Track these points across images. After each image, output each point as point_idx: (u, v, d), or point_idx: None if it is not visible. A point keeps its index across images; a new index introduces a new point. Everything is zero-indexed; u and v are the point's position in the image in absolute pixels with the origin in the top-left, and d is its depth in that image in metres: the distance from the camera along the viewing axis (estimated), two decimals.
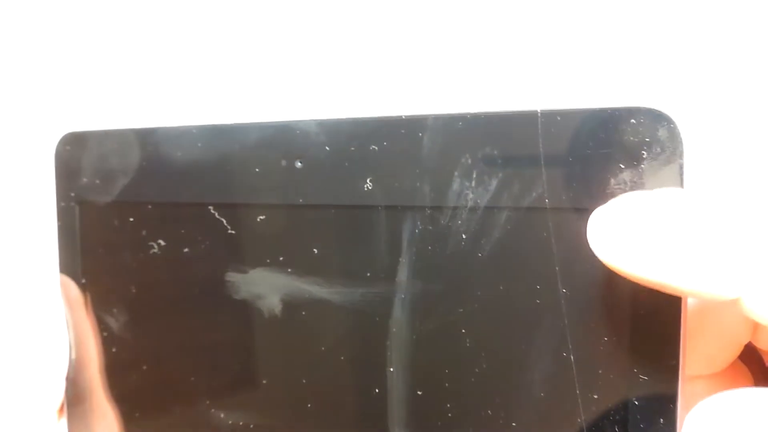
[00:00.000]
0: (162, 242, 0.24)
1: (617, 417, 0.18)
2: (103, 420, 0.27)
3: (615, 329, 0.18)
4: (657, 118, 0.17)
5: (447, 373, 0.20)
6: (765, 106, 0.18)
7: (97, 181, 0.25)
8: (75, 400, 0.26)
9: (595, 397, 0.18)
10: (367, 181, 0.21)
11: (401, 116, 0.20)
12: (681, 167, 0.17)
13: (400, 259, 0.20)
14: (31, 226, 0.27)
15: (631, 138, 0.18)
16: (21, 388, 0.26)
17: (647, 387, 0.18)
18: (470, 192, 0.19)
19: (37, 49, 0.29)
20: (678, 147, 0.17)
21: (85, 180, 0.25)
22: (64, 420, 0.27)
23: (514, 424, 0.20)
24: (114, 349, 0.25)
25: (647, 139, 0.17)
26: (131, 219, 0.24)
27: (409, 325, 0.20)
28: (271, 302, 0.22)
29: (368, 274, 0.21)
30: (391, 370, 0.21)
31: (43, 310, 0.26)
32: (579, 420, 0.19)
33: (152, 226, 0.24)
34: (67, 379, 0.26)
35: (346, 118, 0.21)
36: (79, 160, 0.25)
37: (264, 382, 0.23)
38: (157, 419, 0.25)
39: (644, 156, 0.17)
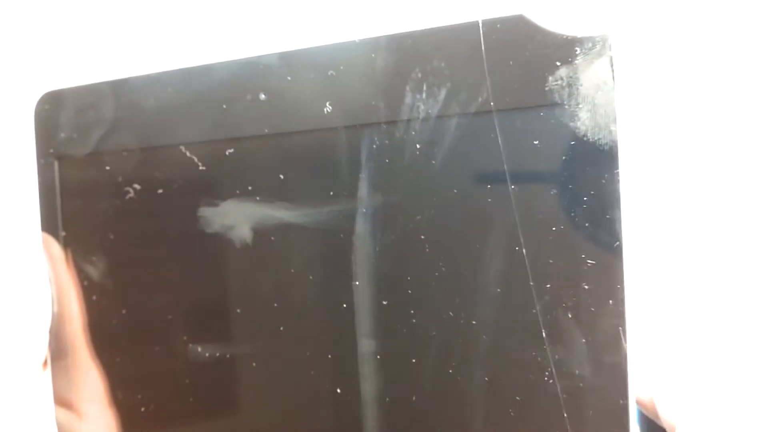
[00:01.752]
0: (137, 186, 0.25)
1: (569, 303, 0.19)
2: (85, 376, 0.27)
3: (561, 219, 0.19)
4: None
5: (409, 280, 0.21)
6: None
7: (75, 136, 0.26)
8: (58, 354, 0.27)
9: (548, 286, 0.19)
10: (327, 104, 0.22)
11: (355, 40, 0.21)
12: (611, 59, 0.18)
13: (360, 175, 0.21)
14: (13, 186, 0.28)
15: (564, 36, 0.19)
16: (4, 339, 0.26)
17: (595, 271, 0.19)
18: (422, 104, 0.21)
19: (13, 18, 0.30)
20: (607, 40, 0.18)
21: (63, 135, 0.26)
22: (48, 373, 0.27)
23: (474, 322, 0.20)
24: (94, 297, 0.26)
25: (579, 37, 0.19)
26: (107, 168, 0.26)
27: (371, 238, 0.21)
28: (242, 232, 0.23)
29: (331, 193, 0.22)
30: (357, 283, 0.22)
31: (25, 267, 0.27)
32: (534, 311, 0.20)
33: (127, 172, 0.25)
34: (50, 332, 0.27)
35: (305, 48, 0.22)
36: (57, 117, 0.26)
37: (238, 311, 0.24)
38: (139, 363, 0.26)
39: (577, 52, 0.19)
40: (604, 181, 0.19)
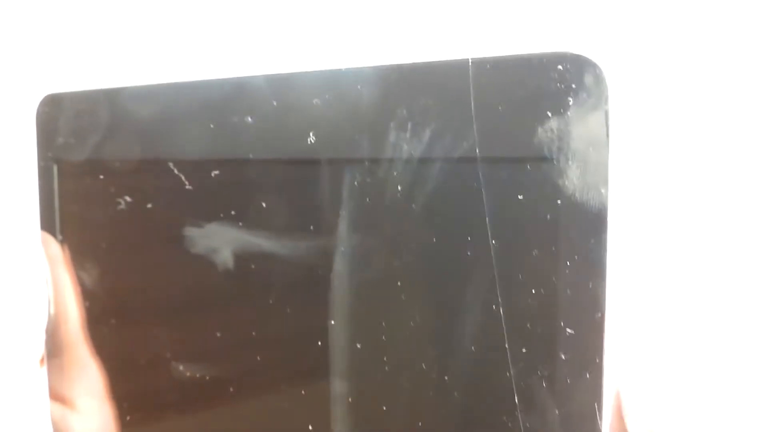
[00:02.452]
0: (128, 198, 0.25)
1: (545, 371, 0.18)
2: (84, 372, 0.28)
3: (542, 282, 0.18)
4: (583, 64, 0.17)
5: (384, 326, 0.20)
6: (690, 52, 0.18)
7: (72, 140, 0.26)
8: (54, 353, 0.27)
9: (524, 350, 0.18)
10: (310, 134, 0.21)
11: (340, 69, 0.20)
12: (607, 114, 0.17)
13: (341, 212, 0.20)
14: (14, 185, 0.29)
15: (558, 85, 0.17)
16: (3, 336, 0.27)
17: (574, 341, 0.18)
18: (405, 144, 0.19)
19: (19, 18, 0.30)
20: (603, 93, 0.17)
21: (61, 139, 0.26)
22: (44, 370, 0.28)
23: (446, 377, 0.19)
24: (87, 303, 0.26)
25: (573, 86, 0.17)
26: (101, 176, 0.25)
27: (348, 278, 0.21)
28: (224, 256, 0.23)
29: (311, 228, 0.21)
30: (332, 322, 0.21)
31: (24, 267, 0.27)
32: (508, 374, 0.18)
33: (119, 182, 0.25)
34: (46, 332, 0.27)
35: (291, 73, 0.21)
36: (56, 120, 0.26)
37: (218, 334, 0.23)
38: (130, 371, 0.26)
39: (570, 103, 0.17)
40: (589, 246, 0.17)
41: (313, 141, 0.21)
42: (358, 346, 0.21)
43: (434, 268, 0.19)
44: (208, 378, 0.24)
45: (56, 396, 0.28)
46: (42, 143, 0.27)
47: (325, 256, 0.21)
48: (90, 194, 0.26)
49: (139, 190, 0.25)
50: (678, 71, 0.18)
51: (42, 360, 0.28)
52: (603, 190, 0.17)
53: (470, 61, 0.18)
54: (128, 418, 0.26)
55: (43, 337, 0.27)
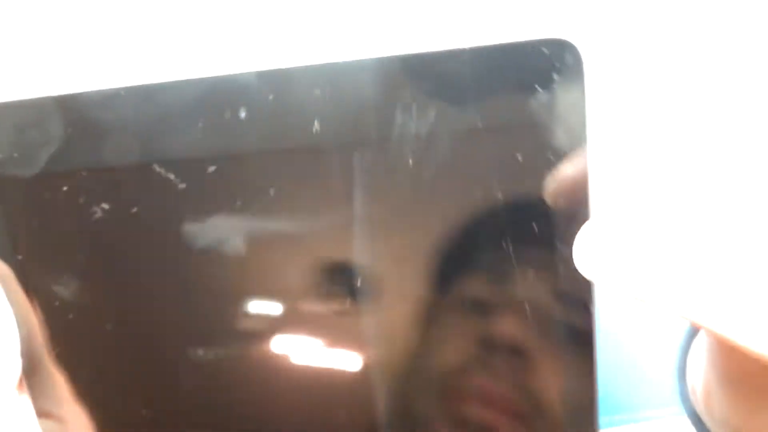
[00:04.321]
0: (105, 206, 0.24)
1: None
2: (53, 386, 0.27)
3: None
4: (563, 46, 0.21)
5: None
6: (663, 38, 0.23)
7: (16, 155, 0.24)
8: (29, 372, 0.27)
9: None
10: (315, 123, 0.22)
11: (338, 62, 0.22)
12: (583, 84, 0.21)
13: (354, 194, 0.23)
14: None
15: (544, 64, 0.21)
16: None
17: None
18: (412, 124, 0.22)
19: None
20: (580, 68, 0.21)
21: (1, 156, 0.24)
22: (25, 394, 0.27)
23: None
24: (71, 316, 0.26)
25: (556, 64, 0.21)
26: (65, 188, 0.24)
27: (371, 254, 0.24)
28: (234, 244, 0.24)
29: (325, 208, 0.23)
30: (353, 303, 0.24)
31: None
32: None
33: (91, 191, 0.24)
34: (21, 354, 0.26)
35: (286, 68, 0.22)
36: None
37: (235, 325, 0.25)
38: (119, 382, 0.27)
39: (555, 78, 0.21)
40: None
41: (318, 129, 0.22)
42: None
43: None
44: (224, 361, 0.25)
45: (42, 413, 0.27)
46: None
47: (342, 237, 0.23)
48: (53, 208, 0.24)
49: (118, 196, 0.24)
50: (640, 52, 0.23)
51: (20, 384, 0.27)
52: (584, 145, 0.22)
53: (467, 49, 0.21)
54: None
55: (19, 359, 0.26)
